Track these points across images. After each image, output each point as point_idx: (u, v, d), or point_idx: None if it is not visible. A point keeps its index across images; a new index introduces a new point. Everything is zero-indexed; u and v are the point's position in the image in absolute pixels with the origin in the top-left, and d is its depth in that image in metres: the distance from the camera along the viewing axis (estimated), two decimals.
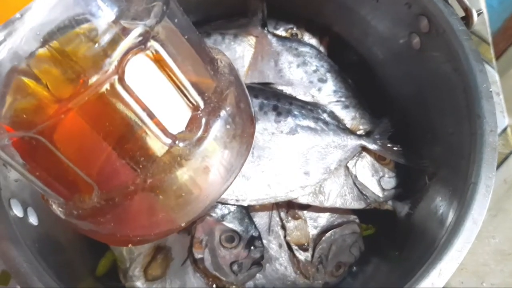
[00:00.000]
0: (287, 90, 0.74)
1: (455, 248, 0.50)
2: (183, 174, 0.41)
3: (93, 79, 0.35)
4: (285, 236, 0.70)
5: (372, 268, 0.71)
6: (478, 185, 0.52)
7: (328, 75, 0.76)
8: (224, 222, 0.66)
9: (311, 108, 0.70)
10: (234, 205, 0.67)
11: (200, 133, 0.41)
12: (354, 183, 0.70)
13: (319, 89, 0.75)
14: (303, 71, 0.76)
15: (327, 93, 0.75)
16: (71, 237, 0.67)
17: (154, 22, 0.38)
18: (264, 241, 0.68)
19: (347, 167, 0.71)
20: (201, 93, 0.42)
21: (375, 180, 0.71)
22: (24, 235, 0.52)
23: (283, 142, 0.67)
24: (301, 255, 0.69)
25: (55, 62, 0.35)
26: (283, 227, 0.70)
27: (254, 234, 0.66)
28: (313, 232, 0.71)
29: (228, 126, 0.44)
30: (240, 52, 0.78)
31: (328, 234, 0.70)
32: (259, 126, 0.67)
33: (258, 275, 0.68)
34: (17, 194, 0.56)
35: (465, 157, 0.56)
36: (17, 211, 0.54)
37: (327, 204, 0.69)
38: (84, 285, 0.64)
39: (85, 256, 0.68)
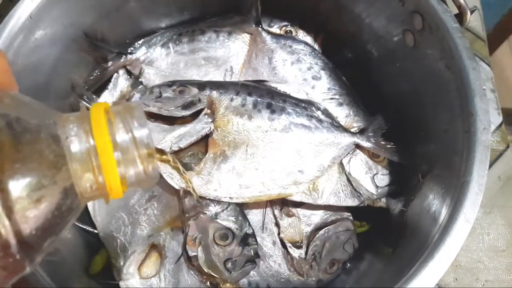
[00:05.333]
0: (281, 87, 0.74)
1: (448, 246, 0.50)
2: None
3: None
4: (279, 234, 0.70)
5: (366, 265, 0.71)
6: (470, 183, 0.52)
7: (322, 72, 0.76)
8: (218, 220, 0.66)
9: (305, 106, 0.70)
10: (227, 202, 0.67)
11: None
12: (348, 181, 0.70)
13: (313, 87, 0.75)
14: (297, 68, 0.76)
15: (321, 90, 0.75)
16: (64, 235, 0.66)
17: None
18: (258, 239, 0.68)
19: (341, 165, 0.71)
20: None
21: (368, 178, 0.71)
22: None
23: (277, 139, 0.67)
24: (295, 252, 0.69)
25: None
26: (277, 225, 0.70)
27: (248, 231, 0.67)
28: (306, 229, 0.71)
29: None
30: (234, 49, 0.78)
31: (322, 232, 0.70)
32: (252, 123, 0.67)
33: (252, 273, 0.68)
34: None
35: (458, 155, 0.56)
36: None
37: (321, 201, 0.69)
38: (78, 283, 0.64)
39: (78, 254, 0.68)
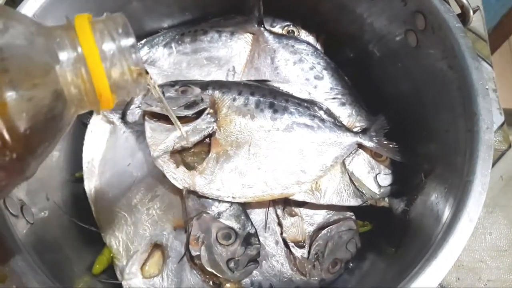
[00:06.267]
0: (284, 87, 0.74)
1: (451, 245, 0.50)
2: None
3: None
4: (281, 233, 0.70)
5: (368, 265, 0.71)
6: (473, 182, 0.52)
7: (325, 72, 0.76)
8: (220, 219, 0.66)
9: (308, 105, 0.70)
10: (230, 202, 0.67)
11: None
12: (351, 180, 0.70)
13: (316, 87, 0.75)
14: (299, 68, 0.76)
15: (324, 90, 0.75)
16: (68, 234, 0.67)
17: None
18: (261, 238, 0.68)
19: (343, 164, 0.71)
20: None
21: (371, 177, 0.71)
22: (19, 233, 0.52)
23: (279, 139, 0.67)
24: (298, 252, 0.69)
25: None
26: (280, 224, 0.70)
27: (250, 231, 0.67)
28: (309, 229, 0.71)
29: None
30: (236, 49, 0.78)
31: (324, 231, 0.70)
32: (255, 123, 0.67)
33: (254, 272, 0.68)
34: (12, 192, 0.55)
35: (461, 155, 0.56)
36: (13, 210, 0.54)
37: (324, 201, 0.69)
38: (81, 283, 0.64)
39: (81, 254, 0.68)
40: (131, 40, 0.36)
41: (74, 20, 0.36)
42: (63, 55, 0.34)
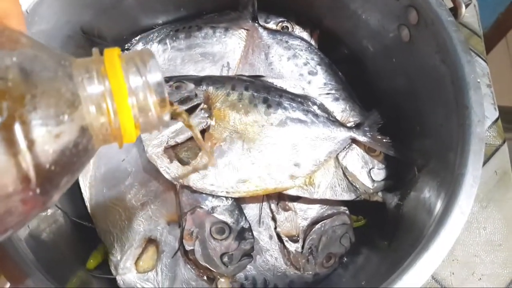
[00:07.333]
0: (278, 82, 0.74)
1: (442, 238, 0.50)
2: None
3: None
4: (275, 228, 0.70)
5: (362, 259, 0.71)
6: (465, 176, 0.52)
7: (319, 68, 0.76)
8: (214, 214, 0.66)
9: (301, 101, 0.71)
10: (224, 197, 0.67)
11: None
12: (344, 175, 0.70)
13: (309, 82, 0.75)
14: (293, 63, 0.76)
15: (318, 85, 0.75)
16: (62, 230, 0.67)
17: None
18: (255, 233, 0.68)
19: (337, 159, 0.71)
20: None
21: (365, 172, 0.71)
22: None
23: (273, 134, 0.67)
24: (292, 247, 0.69)
25: None
26: (274, 219, 0.70)
27: (244, 225, 0.67)
28: (303, 223, 0.71)
29: None
30: (231, 45, 0.78)
31: (318, 226, 0.70)
32: (249, 118, 0.67)
33: (248, 267, 0.68)
34: None
35: (454, 149, 0.56)
36: None
37: (317, 195, 0.69)
38: (75, 278, 0.64)
39: (76, 249, 0.68)
40: (158, 77, 0.36)
41: (104, 54, 0.36)
42: (91, 90, 0.34)
